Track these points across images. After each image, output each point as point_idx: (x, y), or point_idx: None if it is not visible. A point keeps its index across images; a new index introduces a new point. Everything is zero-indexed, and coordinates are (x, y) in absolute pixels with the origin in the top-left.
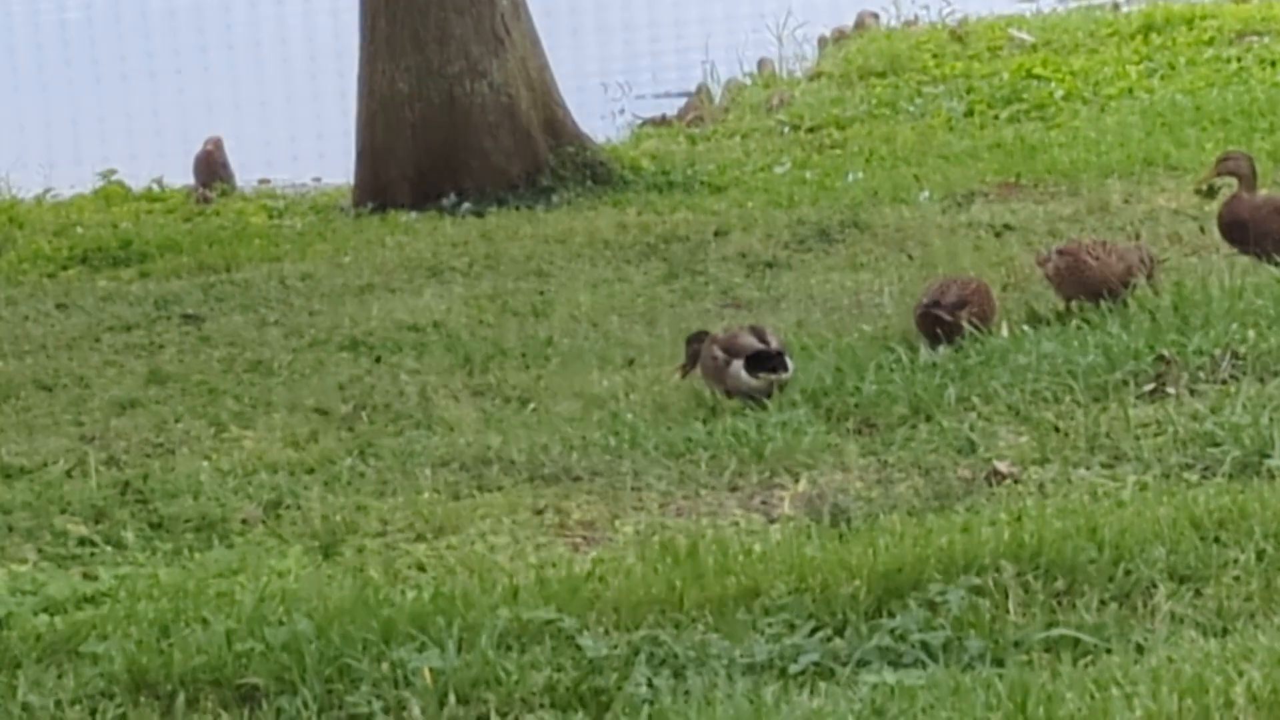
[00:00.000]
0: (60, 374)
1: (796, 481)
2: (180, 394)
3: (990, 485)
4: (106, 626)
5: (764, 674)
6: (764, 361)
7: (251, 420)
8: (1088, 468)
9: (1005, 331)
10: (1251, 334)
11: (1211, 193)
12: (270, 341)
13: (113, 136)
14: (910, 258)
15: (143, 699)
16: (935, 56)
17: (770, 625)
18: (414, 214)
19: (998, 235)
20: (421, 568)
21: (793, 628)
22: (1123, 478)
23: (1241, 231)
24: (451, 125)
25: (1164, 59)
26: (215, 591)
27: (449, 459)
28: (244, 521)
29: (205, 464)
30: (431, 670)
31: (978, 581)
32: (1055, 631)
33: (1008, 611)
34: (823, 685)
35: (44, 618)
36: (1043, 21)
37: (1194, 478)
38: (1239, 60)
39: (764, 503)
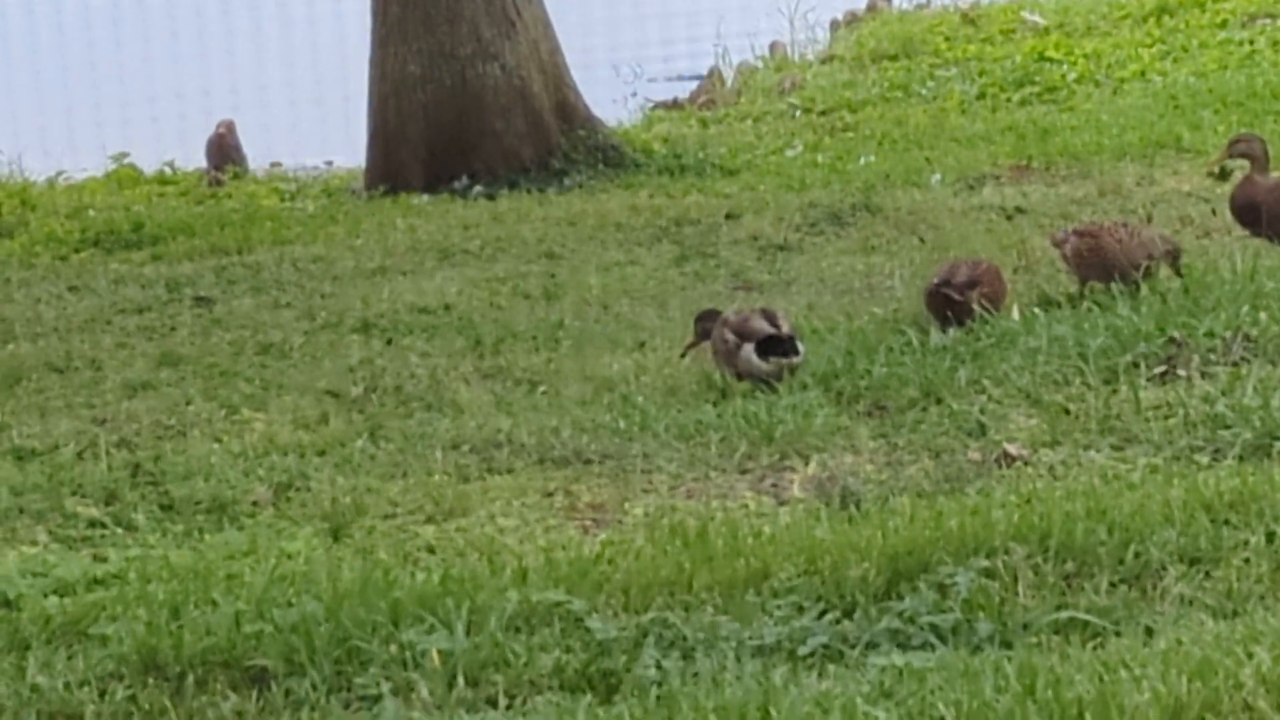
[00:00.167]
0: (72, 356)
1: (807, 464)
2: (192, 376)
3: (1000, 468)
4: (116, 608)
5: (773, 656)
6: (775, 346)
7: (263, 402)
8: (1098, 450)
9: (1016, 314)
10: (1263, 316)
11: (1224, 175)
12: (282, 324)
13: (125, 119)
14: (921, 240)
15: (152, 680)
16: (947, 39)
17: (779, 607)
18: (425, 196)
19: (1009, 218)
20: (431, 550)
21: (802, 610)
22: (1133, 460)
23: (1254, 214)
24: (463, 108)
25: (1176, 41)
26: (225, 573)
27: (459, 441)
28: (255, 503)
29: (216, 446)
30: (440, 652)
31: (987, 564)
32: (1065, 614)
33: (1017, 594)
34: (831, 667)
35: (54, 599)
36: (1055, 4)
37: (1205, 460)
38: (1251, 43)
39: (774, 485)
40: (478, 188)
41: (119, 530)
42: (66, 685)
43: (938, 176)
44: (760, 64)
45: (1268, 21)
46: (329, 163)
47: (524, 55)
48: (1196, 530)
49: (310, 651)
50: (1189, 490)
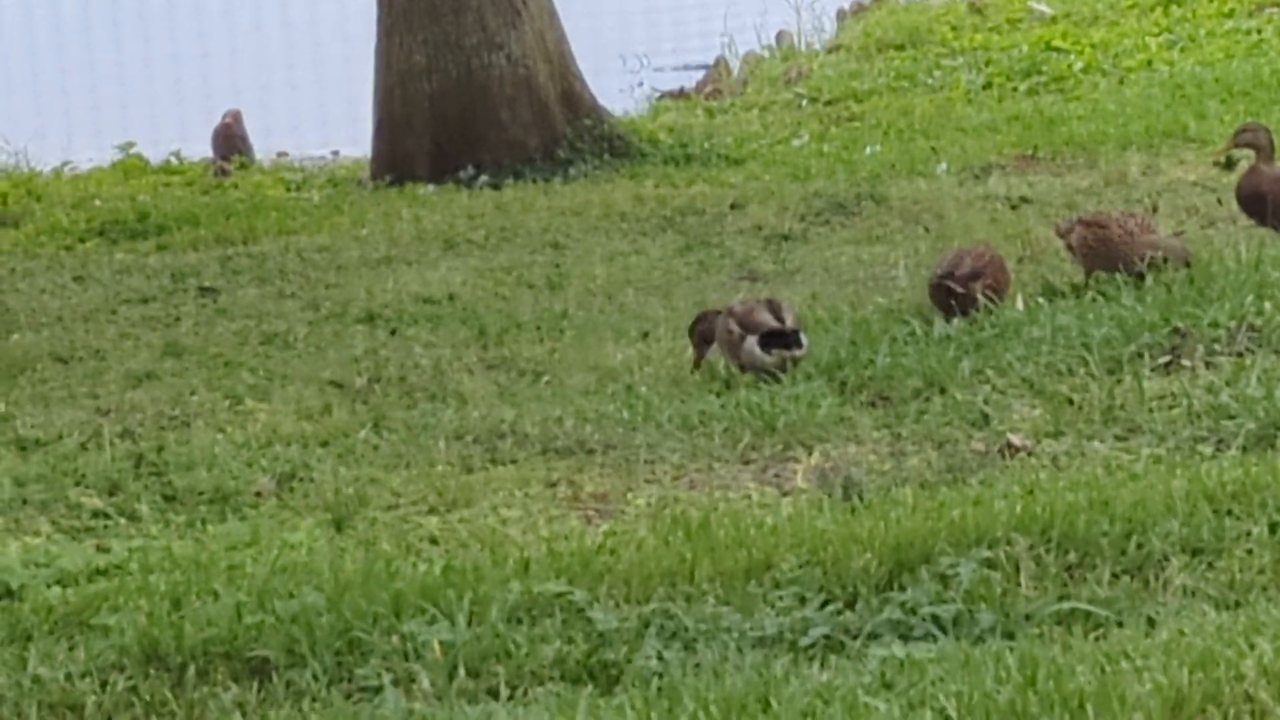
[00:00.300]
0: (77, 346)
1: (810, 454)
2: (196, 366)
3: (1003, 458)
4: (118, 599)
5: (774, 647)
6: (779, 338)
7: (267, 393)
8: (1101, 441)
9: (1020, 304)
10: (1268, 306)
11: (1230, 164)
12: (286, 314)
13: (132, 109)
14: (926, 230)
15: (153, 671)
16: (954, 29)
17: (781, 598)
18: (431, 186)
19: (1014, 208)
20: (433, 541)
21: (803, 601)
22: (1136, 450)
23: (1259, 203)
24: (468, 98)
25: (1184, 31)
26: (227, 564)
27: (462, 432)
28: (258, 494)
29: (220, 436)
30: (441, 643)
31: (989, 554)
32: (1067, 605)
33: (1019, 585)
34: (833, 658)
35: (57, 590)
36: None
37: (1208, 450)
38: (1259, 32)
39: (777, 476)
40: (483, 177)
41: (122, 521)
42: (68, 676)
43: (943, 166)
44: (767, 53)
45: (1275, 10)
46: (335, 153)
47: (529, 45)
48: (1199, 521)
49: (311, 642)
50: (1192, 481)
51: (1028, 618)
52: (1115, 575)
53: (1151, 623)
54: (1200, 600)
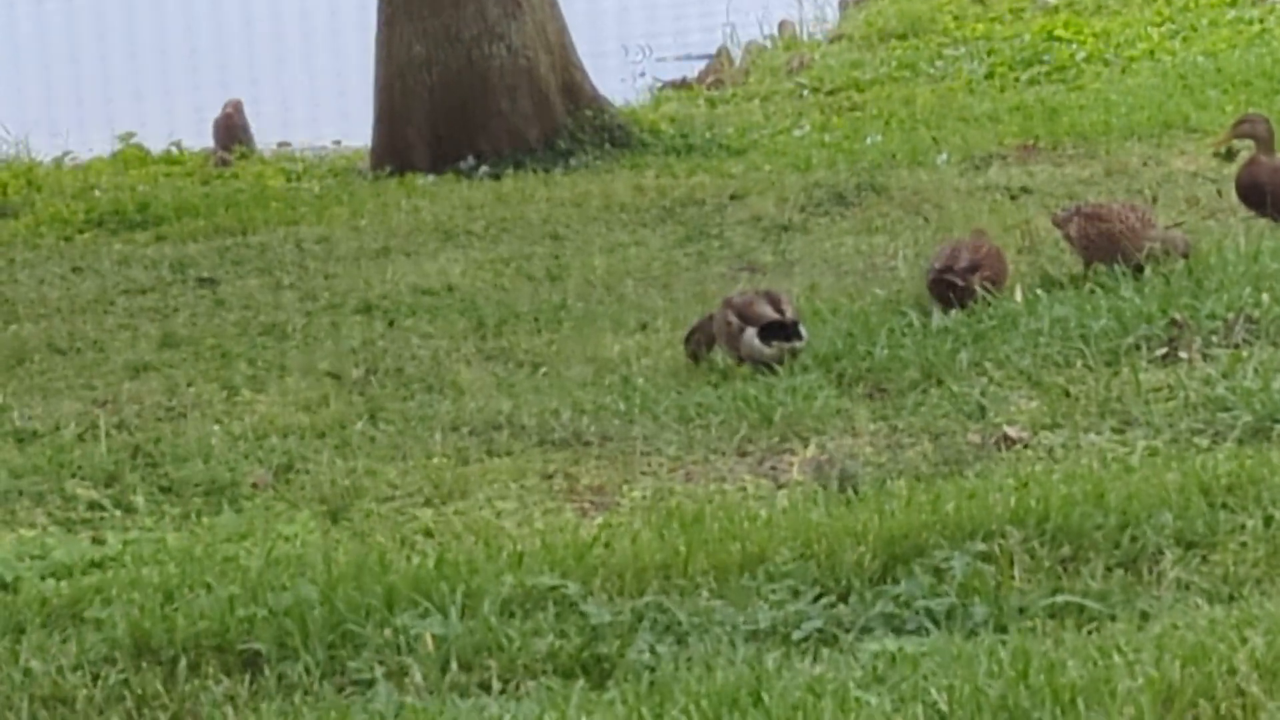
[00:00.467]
0: (74, 337)
1: (806, 446)
2: (193, 358)
3: (1000, 450)
4: (111, 591)
5: (767, 641)
6: (778, 331)
7: (264, 384)
8: (1098, 433)
9: (1019, 295)
10: (1266, 298)
11: (1230, 155)
12: (284, 305)
13: (132, 99)
14: (926, 221)
15: (145, 664)
16: (956, 18)
17: (774, 591)
18: (431, 177)
19: (1014, 198)
20: (428, 533)
21: (797, 594)
22: (1132, 443)
23: (1259, 194)
24: (469, 88)
25: (1186, 20)
26: (221, 556)
27: (459, 423)
28: (254, 486)
29: (216, 428)
30: (434, 636)
31: (983, 548)
32: (1060, 598)
33: (1013, 578)
34: (825, 652)
35: (50, 582)
36: None
37: (1204, 443)
38: (1261, 21)
39: (773, 468)
40: (483, 168)
41: (118, 513)
42: (59, 669)
43: (944, 156)
44: (769, 43)
45: (1278, 0)
46: (337, 142)
47: (530, 35)
48: (1194, 514)
49: (303, 635)
50: (1186, 474)
51: (1021, 611)
52: (1109, 568)
53: (1145, 616)
54: (1194, 594)
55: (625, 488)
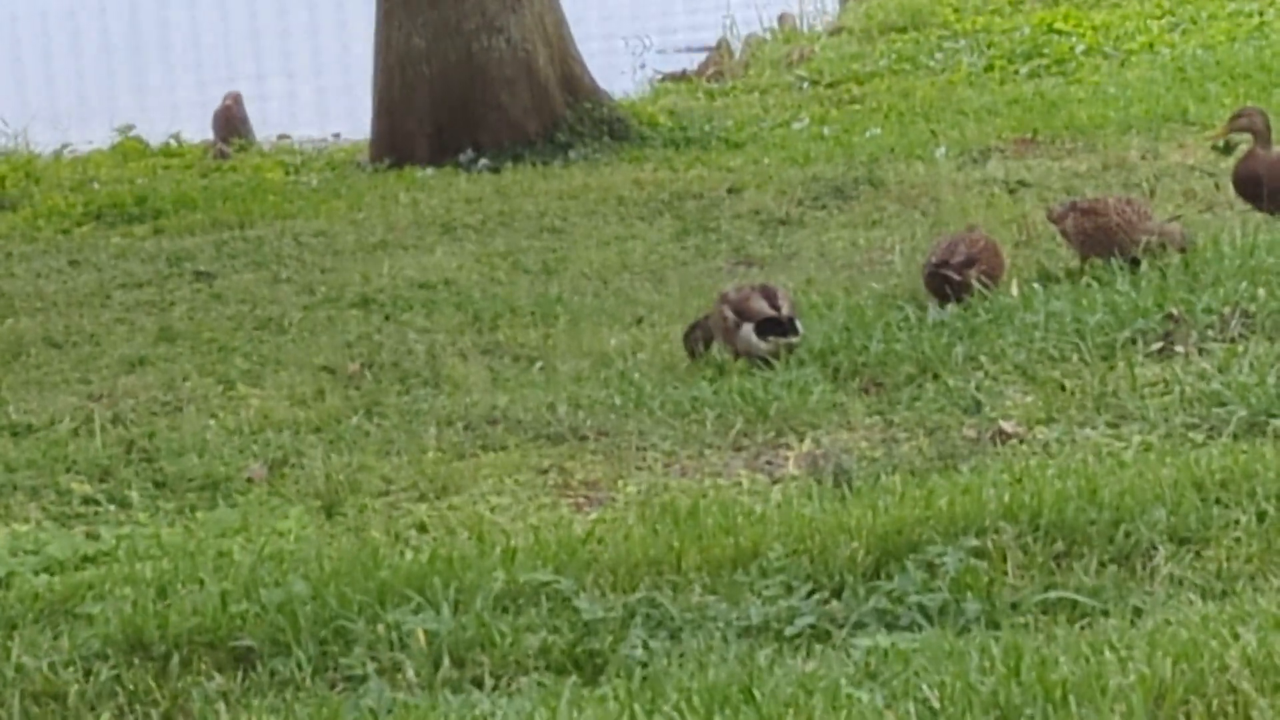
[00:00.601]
0: (71, 331)
1: (802, 441)
2: (189, 352)
3: (995, 445)
4: (104, 587)
5: (759, 636)
6: (775, 325)
7: (260, 378)
8: (1093, 427)
9: (1015, 289)
10: (1261, 292)
11: (1227, 149)
12: (281, 299)
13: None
14: (923, 214)
15: (137, 660)
16: (956, 11)
17: (768, 587)
18: (430, 170)
19: (1011, 192)
20: (423, 528)
21: (790, 589)
22: (1127, 438)
23: (1255, 188)
24: (468, 81)
25: (1186, 13)
26: (215, 551)
27: (455, 418)
28: (249, 480)
29: (212, 422)
30: (426, 632)
31: (977, 543)
32: (1053, 594)
33: (1006, 573)
34: (818, 648)
35: (44, 578)
36: None
37: (1199, 438)
38: (1260, 15)
39: (769, 463)
40: (482, 161)
41: (112, 507)
42: (51, 665)
43: (942, 150)
44: (769, 36)
45: None
46: (336, 135)
47: (529, 28)
48: (1187, 509)
49: (296, 631)
50: (1181, 469)
51: (1014, 607)
52: (1102, 564)
53: (1138, 612)
54: (1187, 589)
55: (620, 483)
